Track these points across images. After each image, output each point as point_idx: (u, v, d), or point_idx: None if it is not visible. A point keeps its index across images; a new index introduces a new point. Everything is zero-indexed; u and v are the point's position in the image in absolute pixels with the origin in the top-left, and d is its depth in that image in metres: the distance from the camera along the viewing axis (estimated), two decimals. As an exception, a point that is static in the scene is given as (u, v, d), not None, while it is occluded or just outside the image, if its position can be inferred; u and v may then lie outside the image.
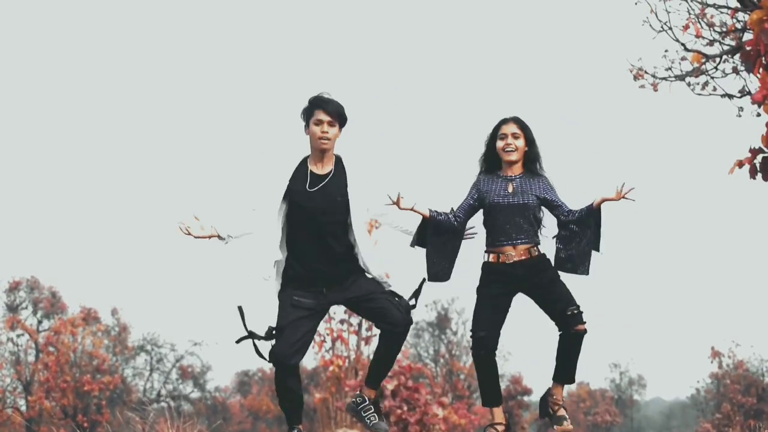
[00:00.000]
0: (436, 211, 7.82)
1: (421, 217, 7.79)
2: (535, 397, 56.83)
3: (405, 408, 23.43)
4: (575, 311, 7.65)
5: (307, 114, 7.51)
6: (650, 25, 14.47)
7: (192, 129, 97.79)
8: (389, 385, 25.71)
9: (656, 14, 14.35)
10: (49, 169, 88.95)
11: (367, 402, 7.83)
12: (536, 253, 7.80)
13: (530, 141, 7.94)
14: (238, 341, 7.71)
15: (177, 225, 7.76)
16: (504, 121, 7.97)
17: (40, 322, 50.12)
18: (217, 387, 58.22)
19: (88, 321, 48.18)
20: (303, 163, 7.61)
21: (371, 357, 8.05)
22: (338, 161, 7.64)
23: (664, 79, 15.07)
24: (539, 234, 7.91)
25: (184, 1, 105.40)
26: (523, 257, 7.76)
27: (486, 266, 7.90)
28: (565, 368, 7.92)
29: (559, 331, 7.77)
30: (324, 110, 7.44)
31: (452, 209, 7.96)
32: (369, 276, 7.59)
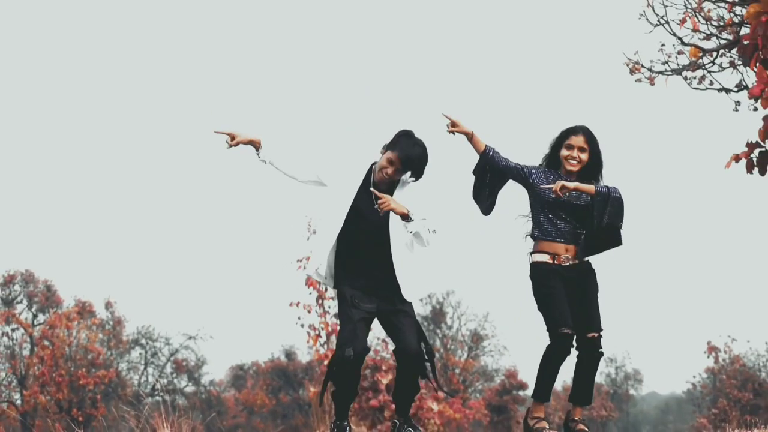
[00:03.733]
0: (492, 148, 8.00)
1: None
2: (530, 392, 56.89)
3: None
4: (595, 335, 7.74)
5: (388, 146, 7.64)
6: (647, 19, 14.40)
7: (180, 121, 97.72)
8: (384, 380, 25.66)
9: (653, 8, 14.25)
10: (43, 163, 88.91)
11: (398, 425, 7.97)
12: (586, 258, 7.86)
13: (594, 154, 7.92)
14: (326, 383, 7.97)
15: (214, 130, 7.65)
16: (574, 131, 7.93)
17: (35, 316, 50.43)
18: (211, 381, 58.32)
19: (83, 315, 48.19)
20: (369, 171, 7.78)
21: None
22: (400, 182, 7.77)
23: (661, 73, 14.97)
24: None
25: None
26: (575, 261, 7.84)
27: (540, 265, 7.90)
28: (583, 390, 7.95)
29: (577, 350, 7.82)
30: (400, 156, 7.53)
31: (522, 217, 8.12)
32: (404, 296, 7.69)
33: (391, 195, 7.61)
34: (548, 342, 7.77)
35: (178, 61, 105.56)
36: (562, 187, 7.64)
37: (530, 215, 8.09)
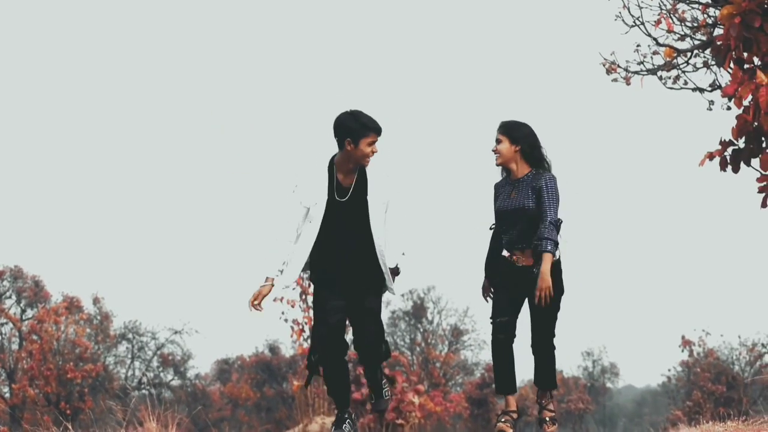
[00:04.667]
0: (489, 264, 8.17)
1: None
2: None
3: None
4: (550, 337, 7.93)
5: (359, 134, 7.55)
6: (623, 20, 14.29)
7: (166, 116, 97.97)
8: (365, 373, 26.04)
9: (629, 9, 14.13)
10: (32, 160, 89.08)
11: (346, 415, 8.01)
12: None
13: (517, 140, 7.94)
14: (306, 386, 8.32)
15: (249, 309, 7.67)
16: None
17: (23, 310, 50.50)
18: (197, 374, 58.19)
19: (71, 310, 48.21)
20: (330, 170, 7.74)
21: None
22: (361, 168, 7.75)
23: (637, 73, 14.85)
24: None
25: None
26: (530, 264, 7.81)
27: (503, 261, 7.97)
28: (539, 374, 8.10)
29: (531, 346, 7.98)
30: (378, 134, 7.57)
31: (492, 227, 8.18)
32: (381, 282, 7.73)
33: (361, 178, 7.67)
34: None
35: (162, 59, 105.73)
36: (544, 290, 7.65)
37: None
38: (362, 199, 7.68)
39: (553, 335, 7.97)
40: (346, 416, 7.95)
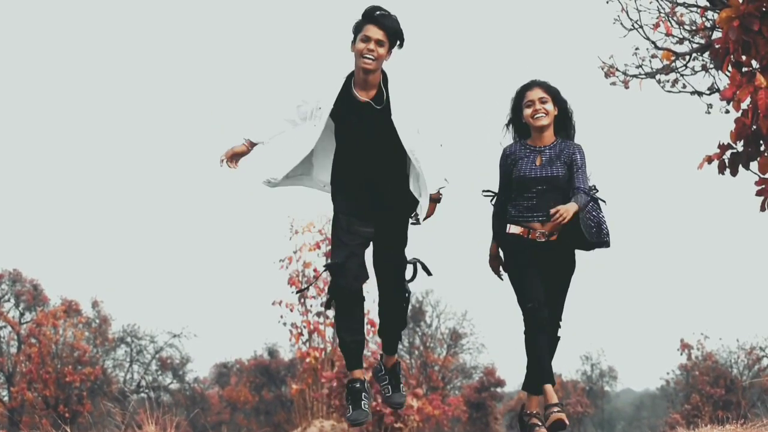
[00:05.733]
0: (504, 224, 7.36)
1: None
2: (509, 389, 57.35)
3: (379, 399, 24.05)
4: (556, 325, 7.38)
5: (357, 28, 6.71)
6: (621, 24, 14.40)
7: (162, 121, 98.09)
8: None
9: (627, 13, 14.29)
10: (30, 164, 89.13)
11: (383, 371, 7.34)
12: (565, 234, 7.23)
13: (558, 103, 7.40)
14: (299, 291, 7.42)
15: (220, 164, 6.98)
16: (528, 87, 7.42)
17: (22, 314, 50.47)
18: (196, 378, 58.24)
19: (70, 313, 48.24)
20: (347, 84, 6.83)
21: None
22: (383, 80, 6.84)
23: (635, 76, 15.01)
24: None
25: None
26: (551, 238, 7.25)
27: (513, 238, 7.33)
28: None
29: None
30: (376, 25, 6.64)
31: (490, 193, 7.56)
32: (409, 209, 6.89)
33: (383, 92, 6.78)
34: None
35: (159, 63, 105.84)
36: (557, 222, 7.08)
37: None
38: (385, 115, 6.74)
39: (560, 320, 7.42)
40: (360, 386, 7.01)
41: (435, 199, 6.91)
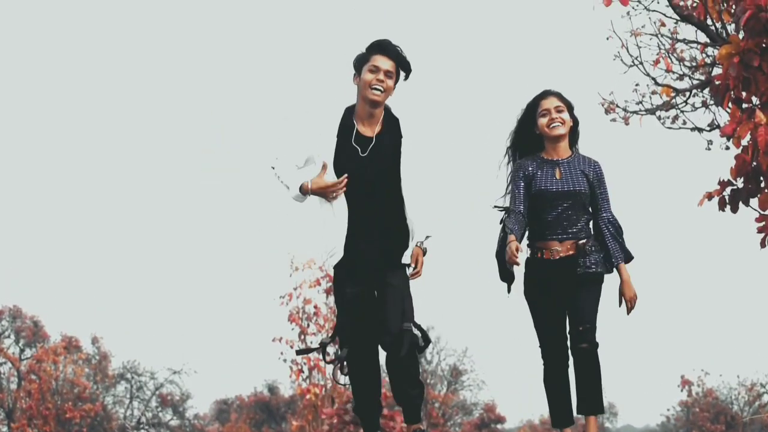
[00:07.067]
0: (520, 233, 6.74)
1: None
2: (509, 425, 57.31)
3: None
4: (580, 328, 6.79)
5: (362, 60, 6.44)
6: (621, 60, 14.37)
7: (162, 161, 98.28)
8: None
9: (627, 49, 14.24)
10: (30, 200, 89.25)
11: None
12: (585, 246, 6.84)
13: (572, 114, 7.03)
14: (299, 353, 7.10)
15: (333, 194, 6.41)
16: (542, 96, 7.02)
17: (22, 350, 50.28)
18: (196, 414, 58.02)
19: (70, 349, 48.19)
20: (347, 118, 6.50)
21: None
22: (387, 115, 6.56)
23: (635, 112, 15.01)
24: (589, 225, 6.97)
25: None
26: (571, 252, 6.83)
27: (531, 263, 6.93)
28: (584, 395, 6.91)
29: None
30: (385, 55, 6.39)
31: (503, 208, 6.97)
32: (408, 260, 6.49)
33: (382, 129, 6.47)
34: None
35: (154, 96, 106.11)
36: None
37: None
38: (391, 152, 6.43)
39: (596, 328, 6.84)
40: None
41: (420, 250, 6.56)
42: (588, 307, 6.82)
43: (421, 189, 6.51)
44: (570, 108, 6.99)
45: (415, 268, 6.52)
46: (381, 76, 6.34)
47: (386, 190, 6.43)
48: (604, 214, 7.00)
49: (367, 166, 6.39)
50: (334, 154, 6.42)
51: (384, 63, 6.37)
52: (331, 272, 6.61)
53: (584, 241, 6.87)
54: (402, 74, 6.52)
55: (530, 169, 6.95)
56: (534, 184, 6.87)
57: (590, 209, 7.00)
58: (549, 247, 6.85)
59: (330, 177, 6.41)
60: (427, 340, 6.66)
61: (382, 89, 6.36)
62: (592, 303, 6.84)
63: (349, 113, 6.51)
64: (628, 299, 6.90)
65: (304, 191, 6.42)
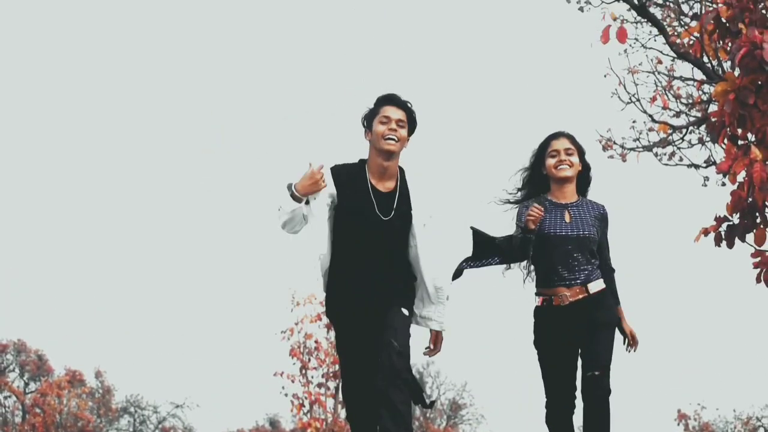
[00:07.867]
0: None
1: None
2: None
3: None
4: (596, 373, 6.58)
5: (371, 114, 6.34)
6: (619, 97, 14.40)
7: (161, 189, 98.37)
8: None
9: (624, 86, 14.28)
10: (33, 234, 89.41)
11: None
12: (595, 290, 6.70)
13: (582, 158, 6.92)
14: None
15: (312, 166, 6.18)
16: (553, 137, 6.91)
17: (26, 384, 50.35)
18: None
19: (74, 383, 48.22)
20: (360, 172, 6.35)
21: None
22: (401, 173, 6.41)
23: (632, 149, 15.10)
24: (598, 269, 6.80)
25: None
26: (580, 296, 6.68)
27: (538, 311, 6.80)
28: None
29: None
30: (395, 106, 6.29)
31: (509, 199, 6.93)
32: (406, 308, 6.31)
33: (396, 185, 6.31)
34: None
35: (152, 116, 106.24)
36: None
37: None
38: (405, 214, 6.30)
39: (610, 371, 6.64)
40: None
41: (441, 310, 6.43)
42: (603, 351, 6.65)
43: (439, 260, 6.35)
44: (581, 152, 6.90)
45: (432, 350, 6.51)
46: (393, 126, 6.23)
47: (395, 244, 6.31)
48: (608, 260, 6.92)
49: (389, 226, 6.25)
50: (346, 206, 6.28)
51: (395, 113, 6.27)
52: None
53: (601, 288, 6.75)
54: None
55: None
56: (542, 227, 6.70)
57: (597, 253, 6.85)
58: (557, 293, 6.70)
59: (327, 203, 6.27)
60: (422, 401, 6.50)
61: (396, 138, 6.24)
62: (607, 347, 6.69)
63: (362, 168, 6.38)
64: (632, 336, 6.85)
65: (295, 192, 6.19)
